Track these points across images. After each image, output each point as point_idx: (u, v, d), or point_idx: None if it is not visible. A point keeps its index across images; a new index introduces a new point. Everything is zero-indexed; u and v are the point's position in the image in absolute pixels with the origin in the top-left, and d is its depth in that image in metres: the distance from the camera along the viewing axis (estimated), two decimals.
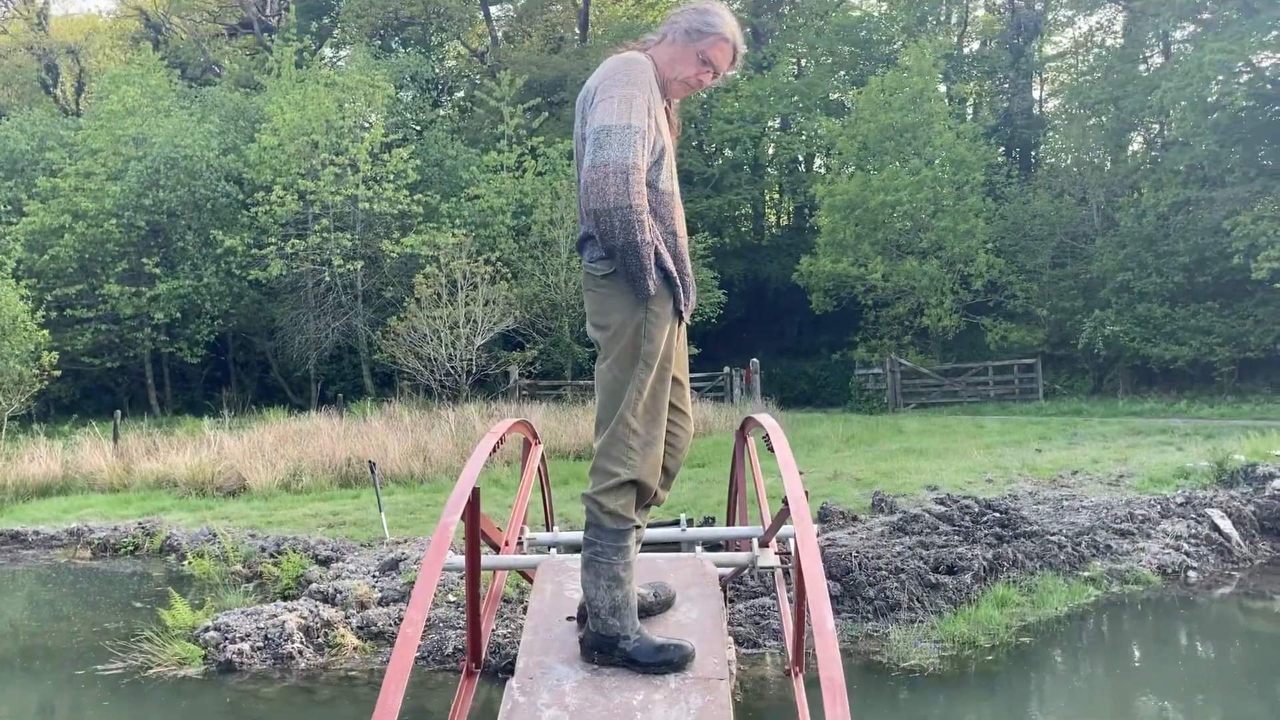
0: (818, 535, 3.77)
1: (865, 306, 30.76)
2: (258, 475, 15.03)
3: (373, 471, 10.93)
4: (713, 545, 4.17)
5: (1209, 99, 25.75)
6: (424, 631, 7.67)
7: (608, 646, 2.92)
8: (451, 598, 7.91)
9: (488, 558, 3.58)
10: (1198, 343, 24.68)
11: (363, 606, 7.85)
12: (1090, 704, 6.70)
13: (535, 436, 4.64)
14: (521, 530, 4.25)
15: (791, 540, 3.79)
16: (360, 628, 7.49)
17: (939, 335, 29.85)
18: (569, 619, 3.23)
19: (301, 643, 7.15)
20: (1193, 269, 25.66)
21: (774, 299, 36.96)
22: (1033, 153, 37.39)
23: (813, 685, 2.78)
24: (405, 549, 9.65)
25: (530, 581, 4.53)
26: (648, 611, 3.22)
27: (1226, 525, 10.35)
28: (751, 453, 4.58)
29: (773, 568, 3.68)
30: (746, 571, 6.51)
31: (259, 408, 26.96)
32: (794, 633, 3.13)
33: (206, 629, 7.37)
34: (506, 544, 3.96)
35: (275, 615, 7.40)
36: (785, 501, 2.93)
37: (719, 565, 3.66)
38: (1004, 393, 27.21)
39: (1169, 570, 9.45)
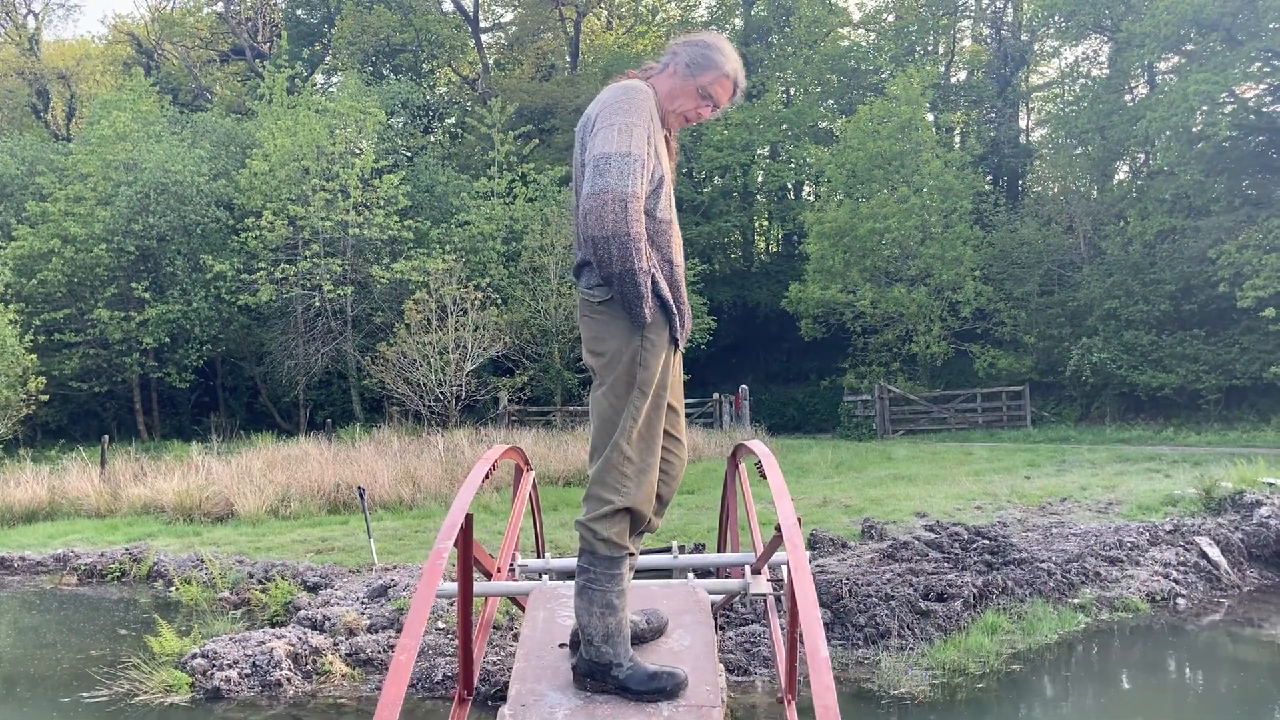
0: (808, 562, 3.78)
1: (854, 333, 30.87)
2: (246, 501, 14.95)
3: (361, 497, 10.91)
4: (704, 572, 4.17)
5: (1193, 129, 26.01)
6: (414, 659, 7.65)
7: (600, 674, 2.92)
8: (441, 624, 7.88)
9: (479, 584, 3.58)
10: (1184, 370, 24.82)
11: (351, 633, 7.82)
12: None
13: (527, 463, 4.65)
14: (513, 557, 4.25)
15: (784, 567, 3.80)
16: (349, 655, 7.45)
17: (927, 362, 29.95)
18: (561, 646, 3.23)
19: (290, 670, 7.11)
20: (1179, 297, 25.83)
21: (763, 325, 37.06)
22: (1019, 181, 37.69)
23: (805, 713, 2.79)
24: (394, 575, 9.61)
25: (522, 609, 4.53)
26: (640, 639, 3.22)
27: (1215, 553, 10.38)
28: (743, 479, 4.60)
29: (765, 595, 3.68)
30: (738, 599, 6.50)
31: (247, 433, 26.88)
32: (786, 660, 3.13)
33: (194, 656, 7.32)
34: (498, 570, 3.96)
35: (263, 642, 7.36)
36: (778, 528, 2.94)
37: (711, 592, 3.67)
38: (992, 419, 27.29)
39: (1158, 598, 9.47)
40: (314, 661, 7.28)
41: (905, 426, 27.88)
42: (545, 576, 3.92)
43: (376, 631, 7.94)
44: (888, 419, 27.95)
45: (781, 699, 3.19)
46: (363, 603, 8.73)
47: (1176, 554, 10.36)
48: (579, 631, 2.97)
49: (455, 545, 2.98)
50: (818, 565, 9.62)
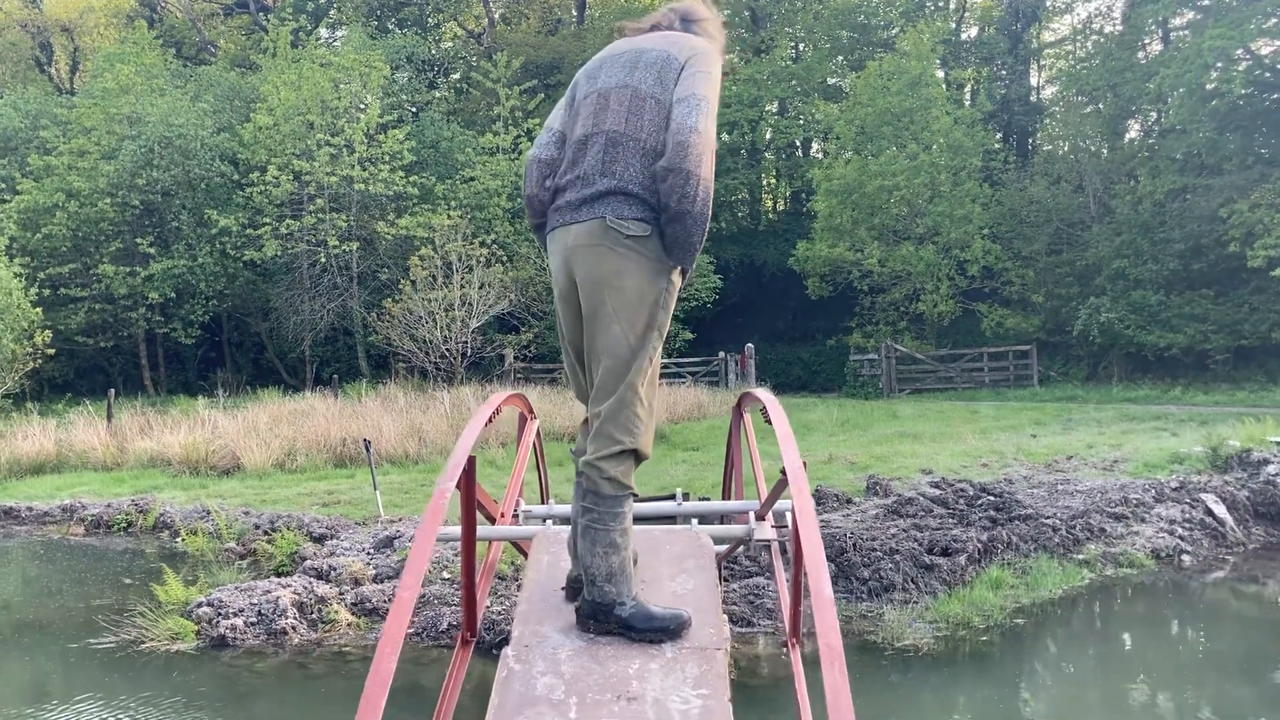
0: (776, 540, 3.76)
1: (861, 292, 30.73)
2: (252, 454, 15.00)
3: (368, 450, 10.92)
4: (708, 522, 4.15)
5: (1207, 86, 25.68)
6: (417, 608, 7.66)
7: (604, 614, 2.90)
8: (445, 574, 7.90)
9: (483, 528, 3.56)
10: (1193, 330, 24.69)
11: (357, 583, 7.84)
12: (1083, 686, 6.71)
13: (531, 411, 4.62)
14: (516, 503, 4.23)
15: (788, 514, 3.78)
16: (354, 604, 7.48)
17: (934, 321, 29.84)
18: (564, 589, 3.22)
19: (295, 619, 7.14)
20: (1188, 256, 25.63)
21: (770, 284, 36.90)
22: (1029, 139, 37.31)
23: (810, 661, 2.77)
24: (400, 527, 9.63)
25: (524, 555, 4.52)
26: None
27: (1220, 510, 10.36)
28: (748, 429, 4.56)
29: (769, 541, 3.66)
30: (742, 548, 6.50)
31: (254, 388, 26.93)
32: (791, 605, 3.11)
33: (200, 604, 7.35)
34: (502, 515, 3.94)
35: (269, 591, 7.39)
36: (783, 472, 2.91)
37: (715, 540, 3.64)
38: (999, 379, 27.24)
39: (1163, 554, 9.46)
40: (319, 610, 7.30)
41: (911, 385, 27.83)
42: (549, 522, 3.90)
43: (382, 581, 7.96)
44: (894, 378, 27.90)
45: (786, 644, 3.18)
46: (368, 553, 8.75)
47: (1182, 511, 10.34)
48: (583, 573, 2.95)
49: (459, 488, 2.95)
50: (822, 520, 9.63)
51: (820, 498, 10.75)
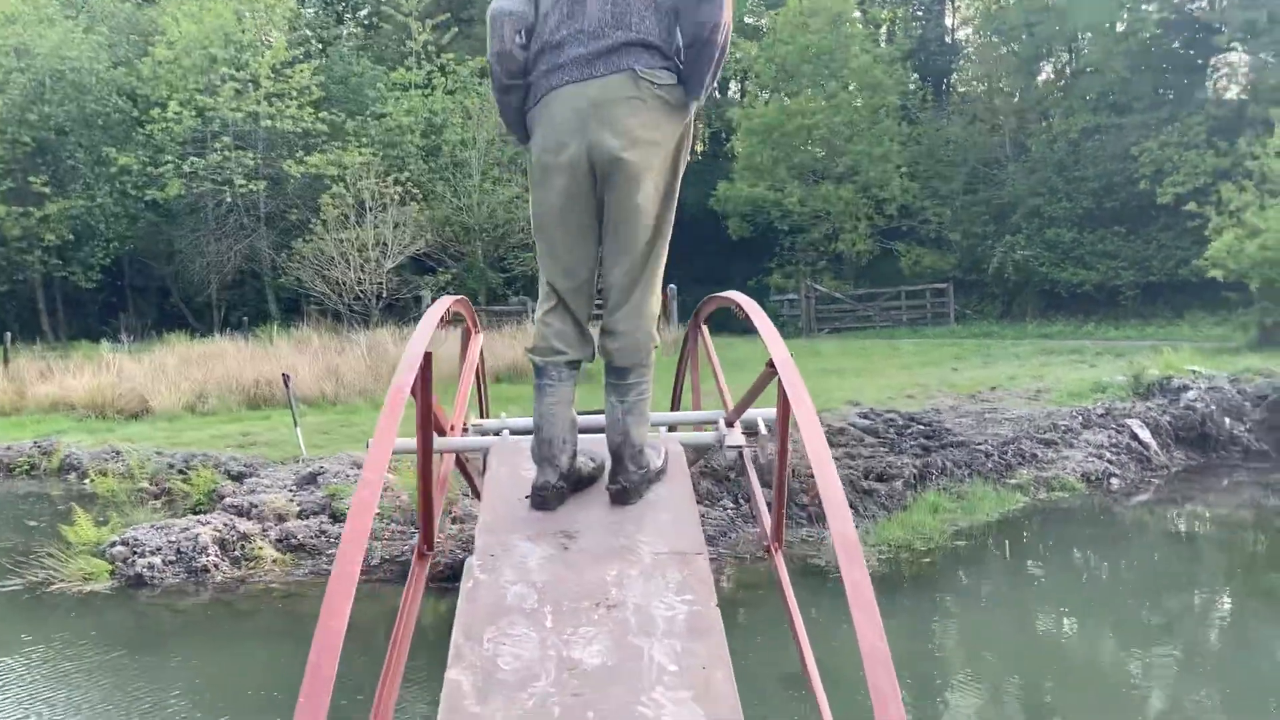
0: (747, 447, 3.60)
1: (781, 232, 30.70)
2: (161, 397, 14.40)
3: (287, 385, 10.48)
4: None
5: (1119, 27, 26.01)
6: None
7: (644, 485, 2.93)
8: (376, 510, 7.60)
9: (436, 440, 3.29)
10: (1104, 267, 25.20)
11: (281, 519, 7.50)
12: (1023, 606, 6.74)
13: (475, 324, 4.35)
14: (467, 417, 3.97)
15: (760, 421, 3.59)
16: (279, 540, 7.15)
17: (853, 261, 30.01)
18: (527, 498, 2.98)
19: (217, 556, 6.81)
20: (1101, 195, 26.07)
21: (690, 225, 36.44)
22: (945, 80, 37.51)
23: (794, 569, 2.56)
24: (323, 464, 9.26)
25: (468, 478, 4.27)
26: (591, 479, 3.02)
27: (1145, 435, 10.54)
28: (706, 339, 4.36)
29: (741, 447, 3.47)
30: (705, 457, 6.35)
31: (159, 334, 25.92)
32: (775, 507, 2.92)
33: (114, 544, 6.97)
34: (452, 428, 3.67)
35: (188, 529, 7.03)
36: (770, 364, 2.70)
37: (685, 447, 3.43)
38: (916, 317, 27.52)
39: (1092, 478, 9.59)
40: (242, 547, 6.97)
41: (831, 325, 27.98)
42: (505, 433, 3.65)
43: (307, 517, 7.63)
44: (814, 317, 28.02)
45: (767, 549, 2.99)
46: (291, 490, 8.39)
47: (1109, 436, 10.49)
48: (624, 450, 2.87)
49: (413, 393, 2.68)
50: (754, 451, 9.52)
51: (751, 430, 10.65)
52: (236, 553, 6.95)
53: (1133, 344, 18.78)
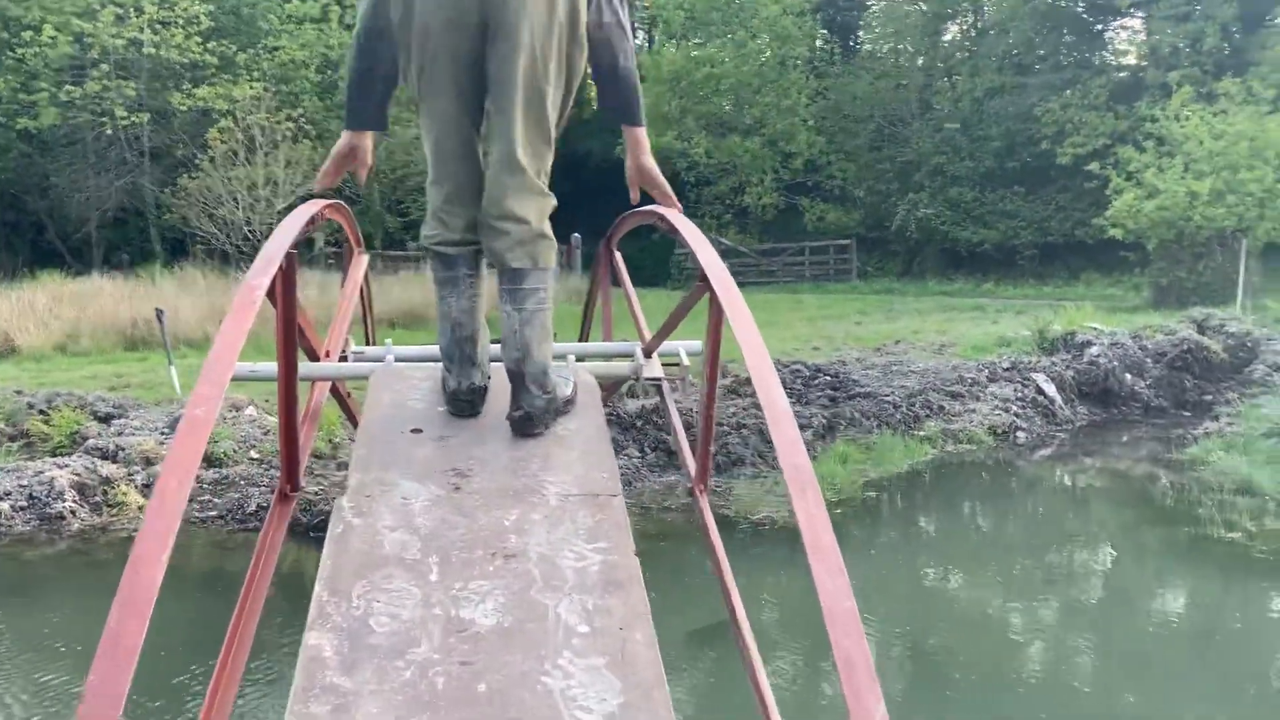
0: (667, 380, 3.21)
1: (688, 184, 30.32)
2: (28, 335, 13.48)
3: (160, 320, 9.77)
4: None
5: None
6: (220, 490, 6.82)
7: (550, 414, 2.51)
8: (254, 454, 7.06)
9: (305, 365, 2.82)
10: (1004, 227, 25.48)
11: (149, 463, 6.91)
12: (932, 554, 6.58)
13: (359, 242, 3.88)
14: (345, 343, 3.51)
15: (681, 350, 3.21)
16: (146, 485, 6.58)
17: (759, 215, 29.83)
18: (415, 431, 2.55)
19: (75, 502, 6.22)
20: (1004, 155, 26.29)
21: (595, 176, 36.03)
22: (852, 37, 37.41)
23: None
24: None
25: (348, 412, 3.82)
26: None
27: (1051, 389, 10.51)
28: (619, 266, 3.96)
29: (659, 379, 3.09)
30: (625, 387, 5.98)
31: (32, 272, 24.43)
32: (702, 445, 2.56)
33: None
34: (327, 354, 3.21)
35: (42, 472, 6.40)
36: (702, 276, 2.32)
37: (597, 378, 3.03)
38: (819, 273, 27.53)
39: (999, 430, 9.50)
40: (105, 493, 6.39)
41: (735, 279, 27.61)
42: (390, 359, 3.19)
43: None
44: None
45: (692, 490, 2.63)
46: (162, 433, 7.76)
47: (1015, 390, 10.43)
48: (524, 373, 2.43)
49: (270, 298, 2.21)
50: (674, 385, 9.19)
51: (672, 361, 10.34)
52: (98, 498, 6.36)
53: (1030, 303, 18.96)
